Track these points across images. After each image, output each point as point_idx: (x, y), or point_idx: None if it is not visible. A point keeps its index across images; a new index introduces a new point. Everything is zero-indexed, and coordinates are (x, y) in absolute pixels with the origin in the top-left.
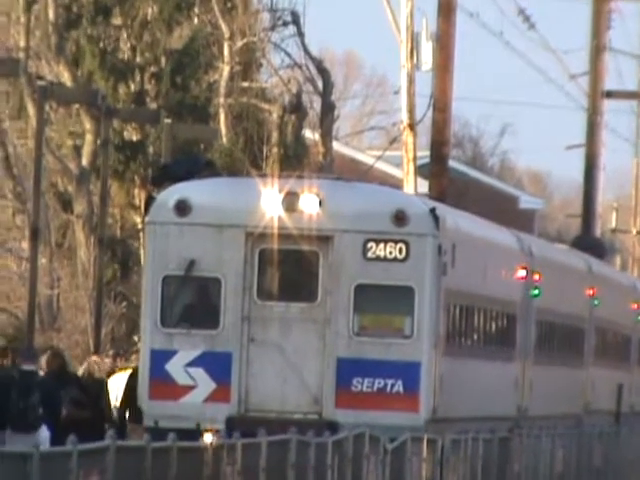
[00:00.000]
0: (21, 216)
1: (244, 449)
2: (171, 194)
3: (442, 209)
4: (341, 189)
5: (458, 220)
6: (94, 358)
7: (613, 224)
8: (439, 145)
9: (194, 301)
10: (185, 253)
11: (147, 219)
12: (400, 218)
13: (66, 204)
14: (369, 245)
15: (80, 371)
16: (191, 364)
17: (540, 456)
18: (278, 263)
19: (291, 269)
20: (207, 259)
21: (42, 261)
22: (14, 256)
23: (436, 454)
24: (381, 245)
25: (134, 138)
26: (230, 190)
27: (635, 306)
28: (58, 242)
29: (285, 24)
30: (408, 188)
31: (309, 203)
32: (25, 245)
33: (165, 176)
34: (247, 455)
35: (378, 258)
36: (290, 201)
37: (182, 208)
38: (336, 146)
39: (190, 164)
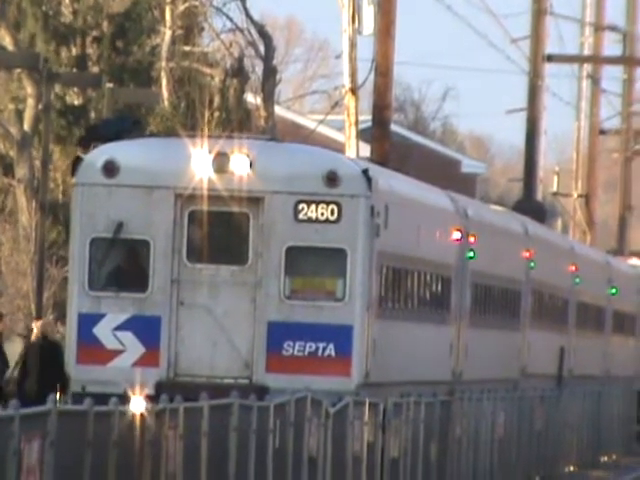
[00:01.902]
0: None
1: (186, 413)
2: (99, 155)
3: (375, 170)
4: (272, 150)
5: (391, 181)
6: (46, 320)
7: (554, 188)
8: (381, 109)
9: (122, 264)
10: (113, 215)
11: (74, 180)
12: (332, 179)
13: (7, 168)
14: (300, 207)
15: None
16: (119, 328)
17: (481, 420)
18: (208, 225)
19: (221, 231)
20: (136, 221)
21: None
22: None
23: (378, 418)
24: (312, 207)
25: (76, 102)
26: (159, 151)
27: (573, 268)
28: (0, 206)
29: None
30: (350, 152)
31: (239, 164)
32: None
33: (93, 136)
34: (189, 419)
35: (309, 220)
36: (220, 162)
37: (110, 169)
38: (278, 110)
39: (118, 124)
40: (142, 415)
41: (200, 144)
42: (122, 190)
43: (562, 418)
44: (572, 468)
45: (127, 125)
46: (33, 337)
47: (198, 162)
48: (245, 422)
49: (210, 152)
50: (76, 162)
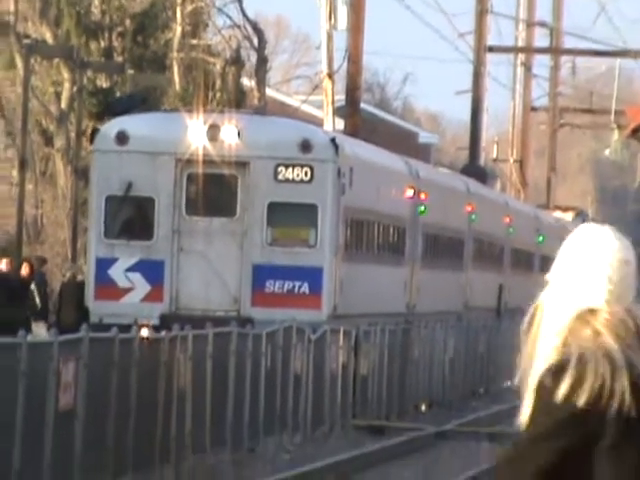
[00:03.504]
0: (11, 150)
1: (194, 339)
2: (112, 126)
3: (341, 138)
4: (256, 122)
5: (355, 148)
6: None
7: (494, 155)
8: (352, 91)
9: (132, 217)
10: (124, 176)
11: (92, 148)
12: (305, 146)
13: (48, 140)
14: (279, 169)
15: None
16: (130, 270)
17: (435, 344)
18: (203, 184)
19: (214, 190)
20: (143, 181)
21: (29, 187)
22: (6, 182)
23: (350, 342)
24: (289, 169)
25: (104, 85)
26: (162, 123)
27: (507, 220)
28: (42, 171)
29: None
30: (327, 126)
31: (229, 134)
32: (15, 173)
33: (108, 111)
34: (196, 344)
35: (287, 180)
36: (213, 132)
37: (121, 138)
38: (269, 92)
39: (128, 101)
40: (155, 340)
41: (196, 117)
42: (131, 156)
43: (501, 342)
44: (509, 383)
45: (136, 102)
46: (66, 278)
47: (194, 132)
48: (242, 347)
49: (204, 124)
50: (93, 133)
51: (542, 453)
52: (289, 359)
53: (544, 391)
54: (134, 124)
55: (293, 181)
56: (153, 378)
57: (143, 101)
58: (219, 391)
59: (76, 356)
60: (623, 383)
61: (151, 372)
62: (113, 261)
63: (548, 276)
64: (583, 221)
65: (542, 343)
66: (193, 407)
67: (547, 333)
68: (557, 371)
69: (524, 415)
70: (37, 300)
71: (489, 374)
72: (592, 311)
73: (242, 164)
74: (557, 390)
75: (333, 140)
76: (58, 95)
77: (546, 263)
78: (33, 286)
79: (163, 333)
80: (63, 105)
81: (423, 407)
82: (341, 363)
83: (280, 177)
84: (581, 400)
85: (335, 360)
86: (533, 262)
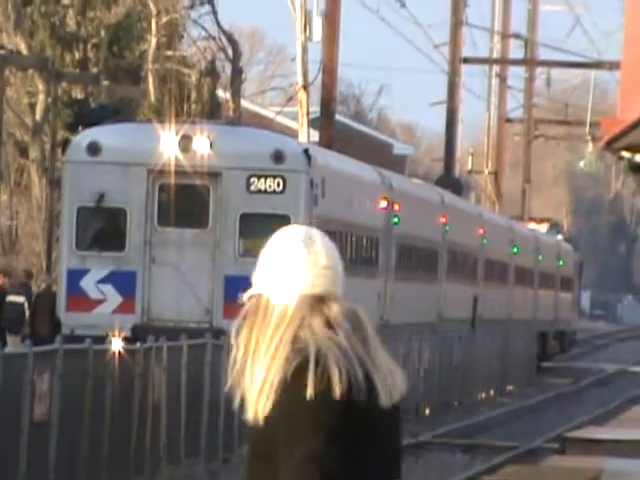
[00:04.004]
0: None
1: (168, 351)
2: (84, 137)
3: (314, 149)
4: (228, 133)
5: (328, 159)
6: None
7: (469, 166)
8: (327, 102)
9: (104, 228)
10: (96, 187)
11: (64, 158)
12: (278, 157)
13: (23, 151)
14: (252, 180)
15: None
16: (101, 281)
17: (410, 355)
18: (175, 195)
19: (186, 200)
20: (115, 192)
21: (3, 197)
22: None
23: None
24: (262, 180)
25: (79, 96)
26: (134, 133)
27: (481, 231)
28: (17, 182)
29: (202, 3)
30: (302, 138)
31: (201, 145)
32: None
33: (80, 122)
34: (171, 356)
35: (259, 191)
36: (185, 143)
37: (93, 149)
38: (244, 103)
39: (100, 112)
40: (127, 352)
41: (168, 128)
42: (103, 166)
43: (476, 354)
44: (484, 395)
45: (108, 113)
46: (41, 288)
47: (166, 143)
48: (216, 358)
49: (177, 135)
50: (65, 143)
51: (335, 452)
52: None
53: (293, 393)
54: (106, 135)
55: (265, 192)
56: (128, 389)
57: (115, 112)
58: (194, 402)
59: (51, 367)
60: (360, 378)
61: (126, 383)
62: (85, 272)
63: (256, 274)
64: (557, 232)
65: (269, 338)
66: (168, 418)
67: (275, 326)
68: (299, 370)
69: (254, 411)
70: (27, 313)
71: (464, 385)
72: (321, 300)
73: (214, 175)
74: (308, 390)
75: (306, 151)
76: (33, 106)
77: (520, 274)
78: (23, 299)
79: (138, 345)
80: (38, 116)
81: None
82: None
83: (252, 188)
84: (336, 394)
85: None
86: (507, 273)
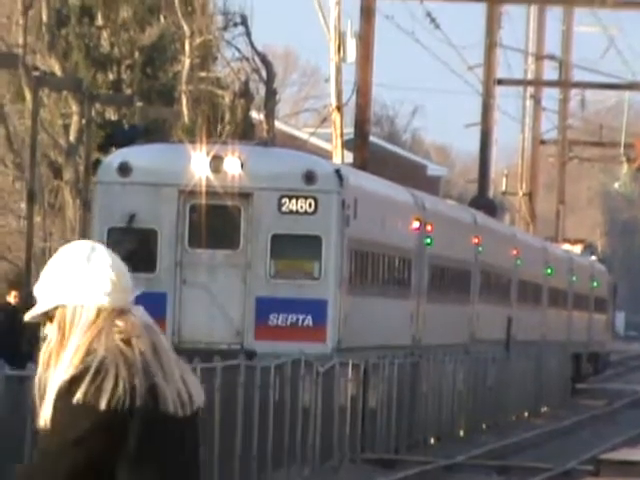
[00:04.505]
0: (20, 182)
1: (202, 372)
2: (115, 158)
3: (346, 170)
4: (259, 153)
5: (360, 179)
6: None
7: (503, 188)
8: (361, 123)
9: (134, 249)
10: (127, 208)
11: (94, 179)
12: (310, 177)
13: (57, 172)
14: (283, 201)
15: None
16: (132, 302)
17: (443, 377)
18: (206, 216)
19: (217, 221)
20: (145, 213)
21: (37, 219)
22: (14, 215)
23: (359, 375)
24: (293, 200)
25: (113, 118)
26: (165, 154)
27: (515, 252)
28: (50, 203)
29: (235, 25)
30: (336, 159)
31: (232, 165)
32: (23, 206)
33: (110, 143)
34: (205, 377)
35: (291, 212)
36: (216, 163)
37: (124, 169)
38: (278, 124)
39: (131, 132)
40: None
41: (199, 149)
42: (134, 187)
43: (509, 376)
44: (518, 416)
45: (139, 133)
46: None
47: (198, 164)
48: (250, 379)
49: (207, 155)
50: (96, 164)
51: (69, 462)
52: (297, 392)
53: (65, 398)
54: (137, 155)
55: (297, 212)
56: None
57: (146, 132)
58: (227, 424)
59: None
60: (142, 389)
61: None
62: None
63: (43, 289)
64: (591, 253)
65: (65, 350)
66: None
67: (70, 339)
68: (77, 378)
69: (45, 420)
70: None
71: (498, 407)
72: (116, 313)
73: (245, 195)
74: (77, 396)
75: (337, 171)
76: (66, 127)
77: (554, 295)
78: None
79: None
80: (71, 137)
81: (432, 440)
82: (350, 396)
83: (284, 209)
84: (102, 404)
85: (344, 393)
86: (541, 294)
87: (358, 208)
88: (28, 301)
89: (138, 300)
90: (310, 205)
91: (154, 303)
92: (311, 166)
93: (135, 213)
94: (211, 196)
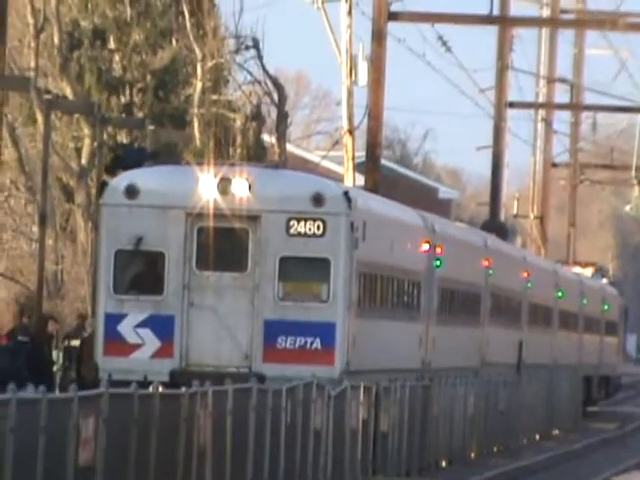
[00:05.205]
0: (32, 205)
1: (214, 395)
2: (122, 180)
3: (354, 192)
4: (267, 175)
5: (369, 202)
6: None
7: (515, 211)
8: (373, 147)
9: (142, 271)
10: (134, 230)
11: (101, 201)
12: (318, 200)
13: (69, 195)
14: (291, 223)
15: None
16: (139, 325)
17: (455, 401)
18: (214, 239)
19: (225, 244)
20: (153, 235)
21: (49, 242)
22: (26, 238)
23: (370, 398)
24: (302, 223)
25: (125, 141)
26: (172, 176)
27: (525, 275)
28: (62, 226)
29: (247, 48)
30: (348, 182)
31: (240, 187)
32: (35, 229)
33: (117, 165)
34: (216, 400)
35: (299, 234)
36: (224, 185)
37: (131, 192)
38: (289, 147)
39: (138, 155)
40: (175, 396)
41: (207, 170)
42: (141, 210)
43: (521, 399)
44: (529, 440)
45: (146, 155)
46: (87, 333)
47: (205, 186)
48: (261, 403)
49: (215, 177)
50: (102, 186)
51: None
52: (309, 415)
53: None
54: (144, 177)
55: (305, 235)
56: (173, 434)
57: (153, 154)
58: (239, 447)
59: (96, 412)
60: None
61: (171, 428)
62: (122, 317)
63: None
64: (602, 276)
65: None
66: (213, 463)
67: None
68: None
69: None
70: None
71: (509, 430)
72: None
73: (253, 218)
74: None
75: (346, 193)
76: (78, 151)
77: (565, 318)
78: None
79: (183, 389)
80: (83, 161)
81: (444, 463)
82: (361, 419)
83: (292, 231)
84: None
85: (355, 416)
86: (552, 317)
87: (367, 230)
88: (39, 323)
89: (146, 323)
90: (318, 227)
91: (162, 326)
92: (319, 188)
93: (142, 235)
94: (219, 218)
